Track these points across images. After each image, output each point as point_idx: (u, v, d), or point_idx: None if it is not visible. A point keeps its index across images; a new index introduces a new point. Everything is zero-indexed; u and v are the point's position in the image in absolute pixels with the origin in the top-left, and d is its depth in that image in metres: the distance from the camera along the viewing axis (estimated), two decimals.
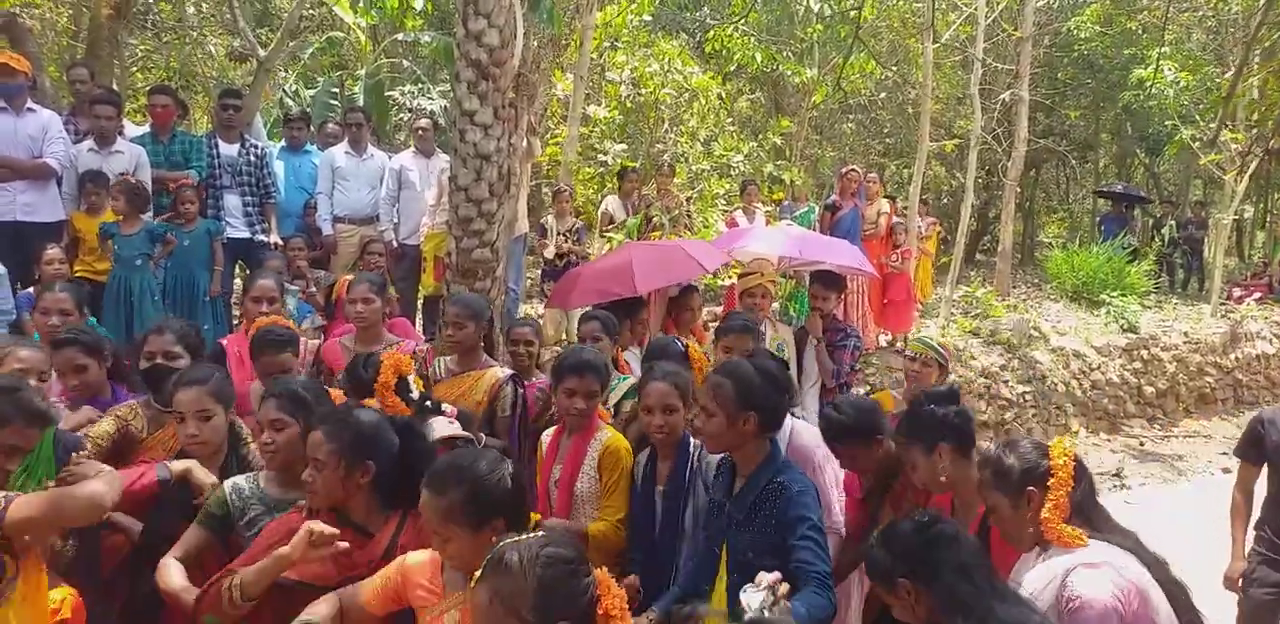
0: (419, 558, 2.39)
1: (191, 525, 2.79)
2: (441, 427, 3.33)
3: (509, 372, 4.30)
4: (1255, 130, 12.79)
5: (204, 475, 2.94)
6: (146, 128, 7.04)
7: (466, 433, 3.37)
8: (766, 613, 2.31)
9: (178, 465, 2.95)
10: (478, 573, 1.89)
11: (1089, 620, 2.22)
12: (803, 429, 3.63)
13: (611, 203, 9.51)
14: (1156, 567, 2.39)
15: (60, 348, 3.58)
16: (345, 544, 2.40)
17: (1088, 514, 2.46)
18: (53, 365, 3.54)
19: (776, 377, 2.99)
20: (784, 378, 3.08)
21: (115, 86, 9.44)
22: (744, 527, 2.84)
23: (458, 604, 2.25)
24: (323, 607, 2.36)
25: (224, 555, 2.73)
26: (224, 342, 4.47)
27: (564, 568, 1.82)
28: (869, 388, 8.12)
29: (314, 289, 6.57)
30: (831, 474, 3.54)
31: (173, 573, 2.63)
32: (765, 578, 2.34)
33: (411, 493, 2.35)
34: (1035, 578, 2.38)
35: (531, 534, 1.94)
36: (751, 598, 2.31)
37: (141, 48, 13.59)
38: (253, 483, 2.87)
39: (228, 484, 2.86)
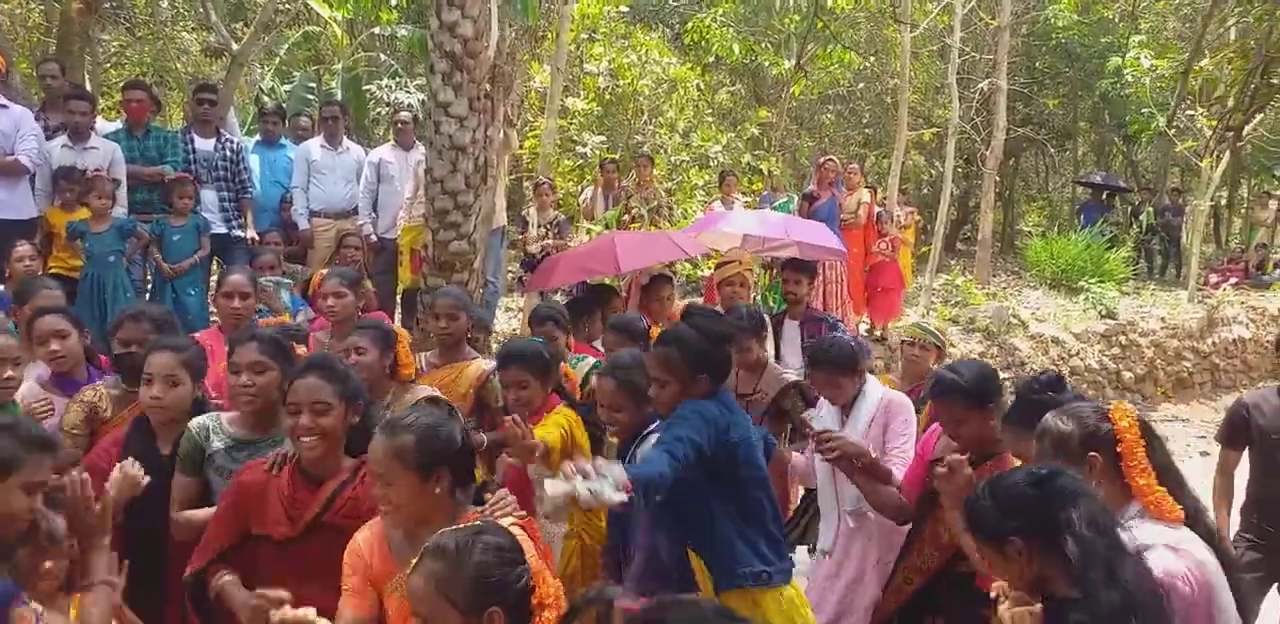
0: (359, 537, 2.39)
1: (175, 478, 2.87)
2: (425, 390, 3.51)
3: (493, 363, 4.24)
4: (1216, 107, 12.88)
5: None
6: (120, 123, 6.98)
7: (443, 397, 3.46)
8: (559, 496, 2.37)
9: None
10: (414, 560, 1.91)
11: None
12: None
13: (591, 195, 9.52)
14: (1228, 563, 2.29)
15: (42, 315, 3.59)
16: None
17: (1168, 482, 2.30)
18: (34, 335, 3.56)
19: (717, 331, 3.05)
20: (723, 329, 3.13)
21: (88, 82, 9.37)
22: None
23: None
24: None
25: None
26: (196, 337, 4.42)
27: (498, 556, 1.86)
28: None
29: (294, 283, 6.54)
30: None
31: (193, 514, 2.84)
32: (566, 469, 2.38)
33: (362, 445, 2.43)
34: None
35: (471, 524, 1.98)
36: (552, 486, 2.34)
37: (115, 43, 13.49)
38: (215, 420, 2.96)
39: (192, 424, 2.96)
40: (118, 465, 2.58)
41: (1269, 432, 4.01)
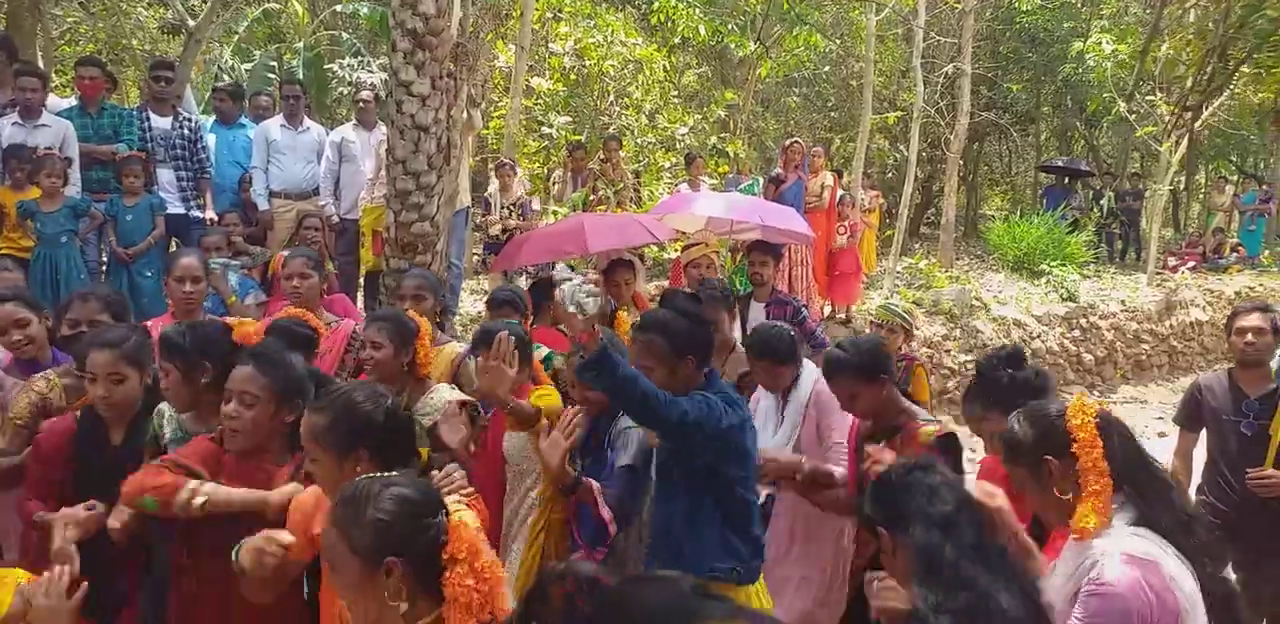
0: (309, 491, 2.41)
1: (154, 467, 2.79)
2: (448, 392, 3.40)
3: (467, 346, 4.18)
4: (1175, 90, 13.03)
5: None
6: (73, 101, 6.83)
7: (473, 398, 3.44)
8: (579, 295, 2.54)
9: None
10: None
11: (1105, 612, 1.95)
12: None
13: (558, 177, 9.46)
14: (1204, 562, 2.09)
15: (1, 303, 3.50)
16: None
17: (1134, 481, 2.13)
18: None
19: (695, 313, 3.07)
20: (700, 311, 3.16)
21: (40, 59, 9.14)
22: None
23: None
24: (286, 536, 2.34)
25: None
26: (148, 324, 4.32)
27: (405, 507, 1.81)
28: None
29: (251, 265, 6.45)
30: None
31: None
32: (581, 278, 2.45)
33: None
34: (1072, 555, 2.10)
35: (390, 474, 1.94)
36: (575, 289, 2.41)
37: (69, 19, 13.15)
38: (173, 410, 2.95)
39: (158, 410, 2.97)
40: (74, 510, 2.57)
41: (1220, 413, 4.07)
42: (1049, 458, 2.16)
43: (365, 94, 7.67)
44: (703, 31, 12.72)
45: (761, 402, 4.02)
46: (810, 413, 3.80)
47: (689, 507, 2.93)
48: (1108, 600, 1.95)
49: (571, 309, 2.81)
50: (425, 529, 1.80)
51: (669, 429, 2.79)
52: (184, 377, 2.82)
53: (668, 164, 11.17)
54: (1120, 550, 2.00)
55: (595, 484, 3.09)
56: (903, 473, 2.07)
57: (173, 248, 7.20)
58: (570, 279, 2.43)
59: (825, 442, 3.72)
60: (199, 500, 2.43)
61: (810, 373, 3.86)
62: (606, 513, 3.07)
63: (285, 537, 2.23)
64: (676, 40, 13.32)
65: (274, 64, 12.22)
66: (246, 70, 11.93)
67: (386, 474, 1.92)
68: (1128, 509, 2.10)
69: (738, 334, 5.29)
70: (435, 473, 2.34)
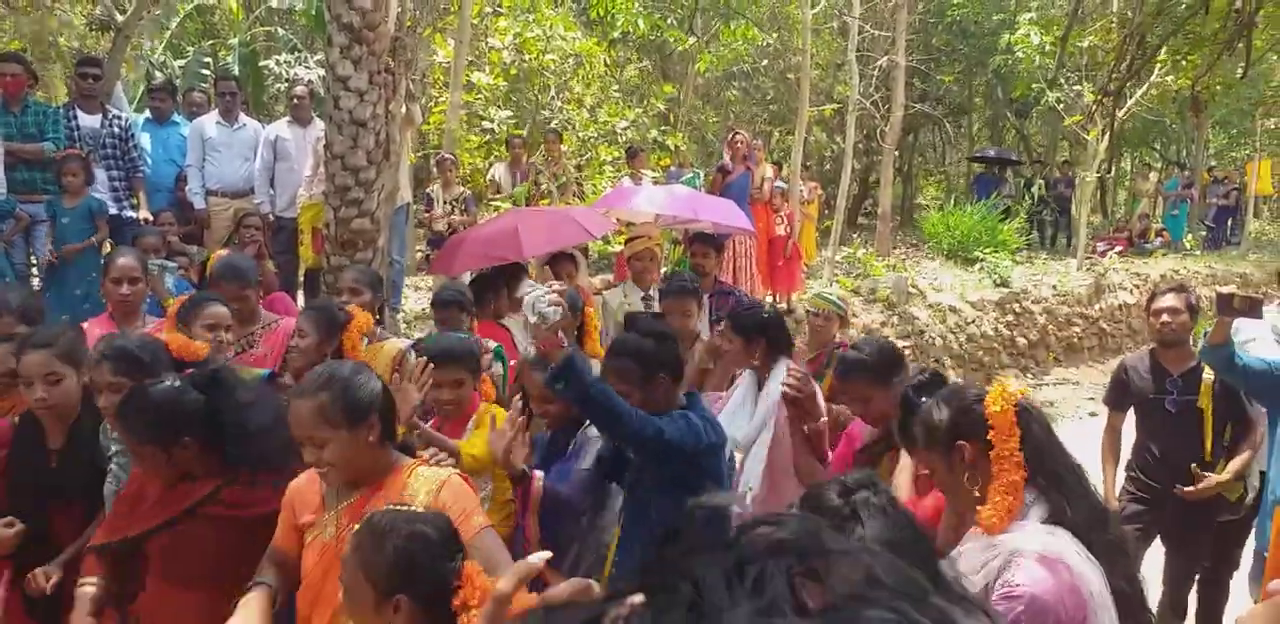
0: (303, 476, 2.42)
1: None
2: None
3: (409, 342, 4.16)
4: (1099, 77, 13.39)
5: None
6: None
7: None
8: (540, 304, 2.64)
9: None
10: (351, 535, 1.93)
11: (1021, 615, 1.86)
12: None
13: (499, 171, 9.45)
14: (1115, 560, 2.02)
15: None
16: None
17: (1049, 474, 2.05)
18: None
19: (661, 332, 3.13)
20: (666, 330, 3.23)
21: None
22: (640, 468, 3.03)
23: (333, 520, 2.29)
24: (268, 566, 2.37)
25: None
26: (85, 325, 4.23)
27: (424, 546, 1.84)
28: None
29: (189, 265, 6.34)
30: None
31: None
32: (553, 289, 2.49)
33: (243, 446, 2.45)
34: (978, 549, 2.00)
35: (414, 509, 1.98)
36: (536, 299, 2.48)
37: None
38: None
39: (103, 429, 2.92)
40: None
41: (1146, 391, 4.23)
42: (962, 443, 2.07)
43: (299, 89, 7.59)
44: (642, 26, 12.78)
45: (737, 389, 4.01)
46: (781, 414, 3.70)
47: (657, 527, 2.92)
48: (1021, 603, 1.85)
49: (534, 320, 2.83)
50: (439, 572, 1.83)
51: (641, 443, 2.82)
52: None
53: (609, 158, 11.21)
54: (1032, 550, 1.92)
55: (540, 478, 3.06)
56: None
57: (107, 249, 7.08)
58: (533, 290, 2.51)
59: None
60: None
61: (782, 370, 3.75)
62: (533, 529, 3.03)
63: None
64: (616, 34, 13.35)
65: (208, 60, 11.99)
66: (180, 67, 11.70)
67: (410, 508, 1.98)
68: (1040, 504, 2.02)
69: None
70: (430, 452, 2.43)
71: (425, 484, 2.27)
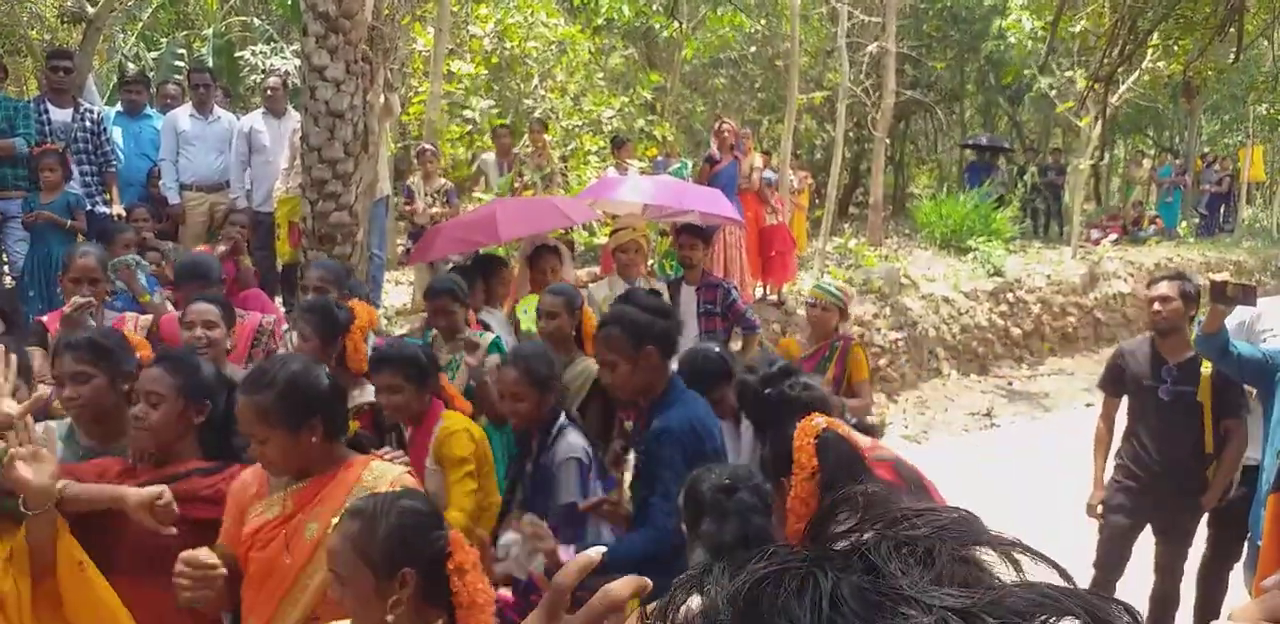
0: (245, 474, 2.41)
1: None
2: (369, 393, 3.31)
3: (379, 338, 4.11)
4: (1091, 63, 13.28)
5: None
6: None
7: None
8: (515, 553, 2.58)
9: None
10: (335, 519, 1.94)
11: None
12: None
13: (488, 162, 9.26)
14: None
15: None
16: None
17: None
18: None
19: (657, 306, 3.10)
20: (663, 304, 3.21)
21: None
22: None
23: (277, 502, 2.28)
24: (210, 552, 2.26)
25: None
26: (44, 319, 4.06)
27: (416, 519, 1.91)
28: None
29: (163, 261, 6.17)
30: None
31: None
32: (527, 525, 2.47)
33: (230, 446, 2.43)
34: None
35: (395, 490, 2.05)
36: (507, 541, 2.48)
37: None
38: (66, 427, 2.75)
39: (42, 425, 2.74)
40: None
41: (1140, 378, 4.17)
42: (784, 479, 2.23)
43: (273, 80, 7.41)
44: (627, 12, 12.56)
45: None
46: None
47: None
48: None
49: (504, 567, 2.70)
50: (435, 541, 1.90)
51: (672, 552, 2.66)
52: (110, 383, 2.62)
53: (594, 148, 11.01)
54: None
55: (535, 522, 2.72)
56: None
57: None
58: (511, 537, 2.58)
59: None
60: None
61: None
62: (537, 574, 2.78)
63: (207, 557, 2.07)
64: (600, 21, 13.14)
65: (182, 52, 11.78)
66: (153, 59, 11.49)
67: (393, 490, 2.04)
68: None
69: None
70: (384, 450, 2.41)
71: (383, 478, 2.29)
